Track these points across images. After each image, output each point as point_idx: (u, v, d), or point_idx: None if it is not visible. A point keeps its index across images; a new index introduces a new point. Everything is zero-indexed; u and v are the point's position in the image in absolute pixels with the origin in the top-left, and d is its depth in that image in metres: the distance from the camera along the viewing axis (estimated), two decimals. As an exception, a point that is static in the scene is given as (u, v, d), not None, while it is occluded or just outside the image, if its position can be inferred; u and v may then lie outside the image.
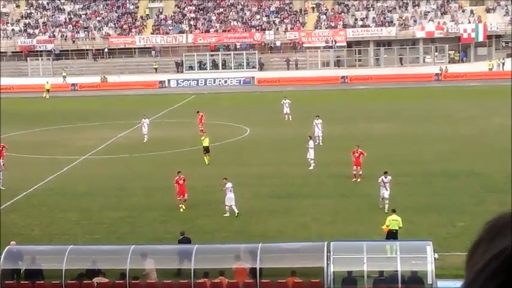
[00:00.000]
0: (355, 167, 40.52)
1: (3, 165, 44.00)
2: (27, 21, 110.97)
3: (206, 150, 46.66)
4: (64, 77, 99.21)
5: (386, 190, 34.55)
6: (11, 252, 26.62)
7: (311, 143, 44.60)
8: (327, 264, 24.81)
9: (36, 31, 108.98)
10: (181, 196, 35.95)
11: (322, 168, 43.21)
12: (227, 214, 34.79)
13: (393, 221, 29.31)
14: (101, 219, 34.65)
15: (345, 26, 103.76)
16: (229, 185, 35.10)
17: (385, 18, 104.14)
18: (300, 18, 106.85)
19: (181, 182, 36.10)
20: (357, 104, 72.13)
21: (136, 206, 36.72)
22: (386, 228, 29.27)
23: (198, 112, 58.37)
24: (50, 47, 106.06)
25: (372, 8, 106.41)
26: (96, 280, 25.67)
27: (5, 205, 37.47)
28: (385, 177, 34.77)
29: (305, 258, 26.98)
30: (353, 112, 65.63)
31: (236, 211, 34.59)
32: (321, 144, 50.29)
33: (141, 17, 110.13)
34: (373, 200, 35.35)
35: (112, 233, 32.52)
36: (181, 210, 35.66)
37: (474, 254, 1.57)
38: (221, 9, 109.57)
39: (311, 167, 43.66)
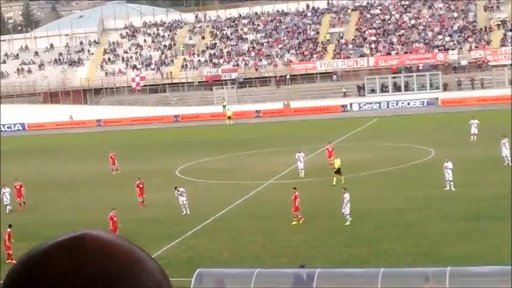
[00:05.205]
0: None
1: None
2: (212, 51, 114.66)
3: (338, 171, 47.73)
4: (224, 106, 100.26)
5: None
6: (201, 275, 27.28)
7: (449, 164, 43.58)
8: (520, 288, 23.70)
9: (221, 61, 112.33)
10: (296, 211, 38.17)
11: (513, 189, 41.47)
12: (348, 223, 36.83)
13: None
14: (287, 242, 34.86)
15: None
16: (347, 195, 37.26)
17: None
18: (485, 36, 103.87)
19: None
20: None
21: (322, 230, 36.67)
22: None
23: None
24: (234, 75, 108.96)
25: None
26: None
27: (195, 229, 38.53)
28: None
29: (496, 282, 25.89)
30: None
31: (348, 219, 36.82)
32: (510, 164, 48.54)
33: (322, 43, 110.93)
34: None
35: (297, 256, 32.57)
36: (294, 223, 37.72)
37: None
38: (402, 31, 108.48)
39: (446, 187, 43.19)
